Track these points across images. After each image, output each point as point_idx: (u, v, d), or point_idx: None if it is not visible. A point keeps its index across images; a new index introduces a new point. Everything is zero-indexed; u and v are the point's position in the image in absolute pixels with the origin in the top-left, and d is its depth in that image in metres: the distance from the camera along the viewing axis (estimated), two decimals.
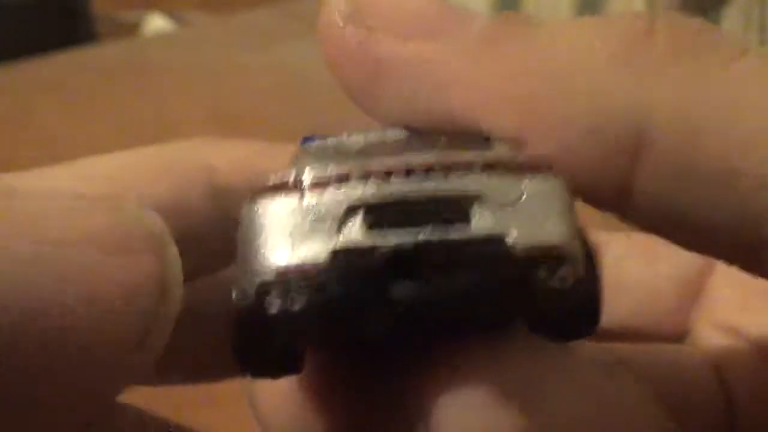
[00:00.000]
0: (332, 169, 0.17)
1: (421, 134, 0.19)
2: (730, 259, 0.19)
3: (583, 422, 0.18)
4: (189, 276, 0.25)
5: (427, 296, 0.16)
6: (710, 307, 0.27)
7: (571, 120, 0.18)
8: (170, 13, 1.06)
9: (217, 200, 0.23)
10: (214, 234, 0.23)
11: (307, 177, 0.17)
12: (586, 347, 0.20)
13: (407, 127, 0.20)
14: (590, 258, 0.18)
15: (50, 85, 0.73)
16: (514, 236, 0.16)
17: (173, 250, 0.17)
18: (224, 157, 0.23)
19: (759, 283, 0.19)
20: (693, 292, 0.27)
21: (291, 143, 0.22)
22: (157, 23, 1.04)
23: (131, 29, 1.04)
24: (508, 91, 0.18)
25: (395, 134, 0.20)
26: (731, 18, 0.78)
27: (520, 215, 0.16)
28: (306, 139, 0.20)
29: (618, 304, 0.27)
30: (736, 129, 0.17)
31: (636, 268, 0.27)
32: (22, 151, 0.21)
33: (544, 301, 0.17)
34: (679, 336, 0.27)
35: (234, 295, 0.17)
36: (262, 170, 0.24)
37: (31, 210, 0.16)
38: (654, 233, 0.20)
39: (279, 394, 0.20)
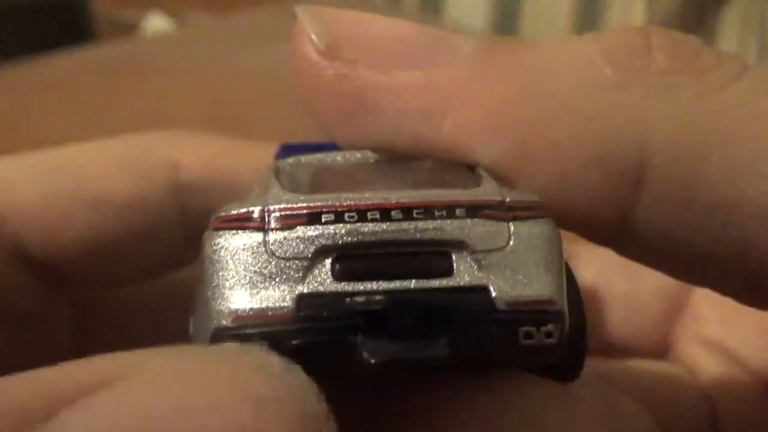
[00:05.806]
0: (302, 203, 0.15)
1: (403, 160, 0.18)
2: (725, 290, 0.18)
3: None
4: (152, 273, 0.25)
5: (402, 354, 0.14)
6: (693, 322, 0.26)
7: (571, 145, 0.17)
8: (170, 13, 1.06)
9: (181, 196, 0.23)
10: (176, 229, 0.23)
11: (274, 211, 0.15)
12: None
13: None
14: (577, 308, 0.16)
15: (50, 85, 0.73)
16: (498, 287, 0.15)
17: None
18: (191, 152, 0.23)
19: None
20: (676, 307, 0.27)
21: (273, 143, 0.22)
22: (157, 23, 1.04)
23: (131, 29, 1.04)
24: (503, 116, 0.17)
25: (376, 155, 0.19)
26: (731, 18, 0.78)
27: (505, 263, 0.15)
28: (284, 148, 0.19)
29: (601, 318, 0.26)
30: (739, 154, 0.16)
31: (619, 283, 0.27)
32: (22, 151, 0.21)
33: (528, 356, 0.15)
34: (662, 350, 0.27)
35: (191, 331, 0.16)
36: (230, 168, 0.24)
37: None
38: (650, 265, 0.19)
39: None
